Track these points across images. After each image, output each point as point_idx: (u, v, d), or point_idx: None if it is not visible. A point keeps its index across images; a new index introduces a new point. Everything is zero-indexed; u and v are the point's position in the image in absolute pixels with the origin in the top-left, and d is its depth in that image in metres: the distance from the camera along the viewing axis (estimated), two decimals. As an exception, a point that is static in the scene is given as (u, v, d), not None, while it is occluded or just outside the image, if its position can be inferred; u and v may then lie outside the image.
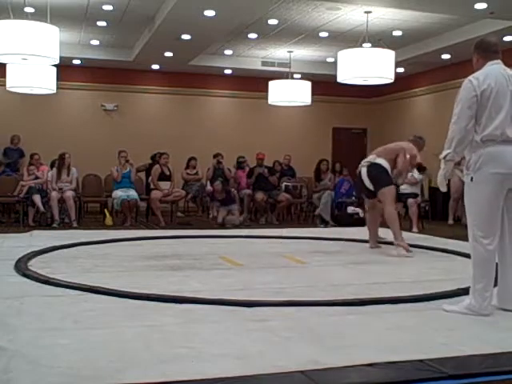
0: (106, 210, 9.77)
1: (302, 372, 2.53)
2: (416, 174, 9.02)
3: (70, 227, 8.85)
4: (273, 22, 9.76)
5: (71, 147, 10.44)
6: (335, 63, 9.30)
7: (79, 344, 2.90)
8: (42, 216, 9.14)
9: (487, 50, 3.68)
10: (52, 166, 9.79)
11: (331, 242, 7.30)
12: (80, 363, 2.60)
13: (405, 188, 8.97)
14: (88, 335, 3.05)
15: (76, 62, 12.12)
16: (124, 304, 3.75)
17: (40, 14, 8.25)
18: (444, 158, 3.65)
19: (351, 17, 9.37)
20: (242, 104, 13.66)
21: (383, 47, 8.91)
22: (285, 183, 10.79)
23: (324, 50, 11.76)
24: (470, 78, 3.58)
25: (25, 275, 4.61)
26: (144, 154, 11.39)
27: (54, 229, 8.64)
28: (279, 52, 11.93)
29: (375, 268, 5.43)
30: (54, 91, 9.72)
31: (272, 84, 11.31)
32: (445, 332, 3.22)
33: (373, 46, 9.09)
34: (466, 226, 3.70)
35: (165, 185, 9.90)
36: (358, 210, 9.73)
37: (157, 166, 10.14)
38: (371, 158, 6.58)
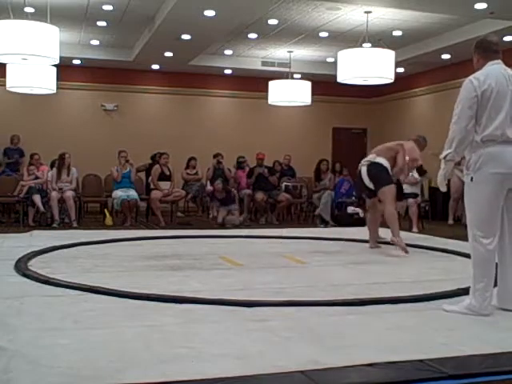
0: (105, 210, 9.77)
1: (302, 372, 2.53)
2: (416, 174, 9.02)
3: (70, 227, 8.85)
4: (273, 22, 9.76)
5: (71, 147, 10.45)
6: (335, 63, 9.29)
7: (79, 344, 2.90)
8: (42, 216, 9.14)
9: (488, 49, 3.67)
10: (52, 166, 9.79)
11: (331, 242, 7.30)
12: (80, 363, 2.60)
13: (405, 188, 8.95)
14: (88, 335, 3.05)
15: (76, 61, 12.12)
16: (124, 304, 3.75)
17: (40, 14, 8.25)
18: (444, 157, 3.65)
19: (351, 17, 9.37)
20: (241, 104, 13.66)
21: (383, 47, 8.91)
22: (285, 183, 10.79)
23: (324, 50, 11.76)
24: (471, 78, 3.57)
25: (25, 275, 4.61)
26: (144, 153, 11.39)
27: (54, 229, 8.64)
28: (279, 52, 11.93)
29: (375, 268, 5.43)
30: (54, 91, 9.72)
31: (272, 84, 11.32)
32: (445, 332, 3.22)
33: (373, 45, 9.09)
34: (465, 226, 3.70)
35: (165, 185, 9.90)
36: (358, 210, 9.73)
37: (157, 165, 10.14)
38: (371, 157, 6.59)
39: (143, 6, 9.08)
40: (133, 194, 9.53)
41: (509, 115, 3.51)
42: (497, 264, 3.61)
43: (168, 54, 11.36)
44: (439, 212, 10.89)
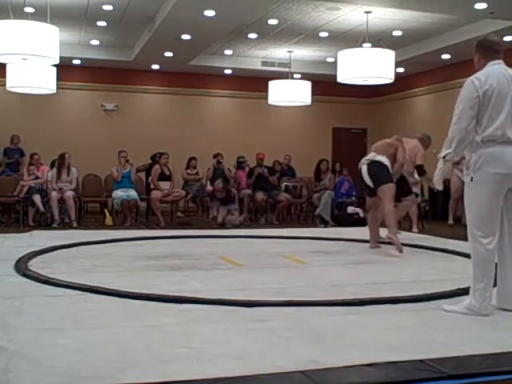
0: (106, 210, 9.77)
1: (302, 372, 2.53)
2: (416, 174, 9.00)
3: (70, 227, 8.85)
4: (273, 22, 9.76)
5: (71, 147, 10.45)
6: (335, 63, 9.29)
7: (79, 344, 2.90)
8: (42, 216, 9.14)
9: (489, 49, 3.66)
10: (52, 166, 9.79)
11: (331, 242, 7.30)
12: (80, 363, 2.60)
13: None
14: (88, 335, 3.05)
15: (76, 61, 12.12)
16: (124, 304, 3.75)
17: (40, 14, 8.25)
18: (444, 157, 3.65)
19: (351, 17, 9.37)
20: (241, 104, 13.66)
21: (383, 47, 8.91)
22: (285, 183, 10.79)
23: (324, 50, 11.76)
24: (472, 78, 3.57)
25: (25, 275, 4.61)
26: (144, 153, 11.39)
27: (54, 229, 8.64)
28: (279, 52, 11.93)
29: (375, 268, 5.43)
30: (54, 91, 9.72)
31: (272, 84, 11.31)
32: (445, 332, 3.22)
33: (373, 45, 9.09)
34: (465, 225, 3.70)
35: (165, 185, 9.90)
36: (358, 210, 9.74)
37: (157, 165, 10.14)
38: (371, 155, 6.60)
39: (143, 6, 9.08)
40: (133, 194, 9.53)
41: (510, 116, 3.51)
42: (496, 264, 3.62)
43: (168, 54, 11.36)
44: (439, 212, 10.89)
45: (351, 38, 9.97)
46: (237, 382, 2.44)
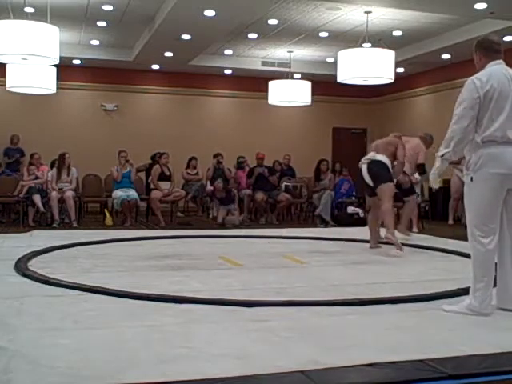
0: (106, 210, 9.77)
1: (302, 372, 2.53)
2: (416, 174, 8.99)
3: (70, 227, 8.85)
4: (273, 22, 9.76)
5: (71, 147, 10.45)
6: (335, 63, 9.29)
7: (79, 344, 2.90)
8: (42, 216, 9.14)
9: (489, 49, 3.66)
10: (52, 166, 9.79)
11: (331, 242, 7.30)
12: (80, 363, 2.60)
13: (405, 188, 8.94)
14: (88, 335, 3.05)
15: (76, 61, 12.12)
16: (124, 304, 3.75)
17: (40, 14, 8.25)
18: (442, 156, 3.65)
19: (351, 17, 9.37)
20: (241, 104, 13.65)
21: (383, 47, 8.91)
22: (285, 183, 10.79)
23: (324, 50, 11.76)
24: (473, 78, 3.56)
25: (25, 275, 4.61)
26: (144, 153, 11.39)
27: (54, 229, 8.64)
28: (279, 52, 11.93)
29: (375, 268, 5.43)
30: (54, 91, 9.72)
31: (272, 84, 11.32)
32: (445, 332, 3.22)
33: (373, 45, 9.09)
34: (465, 225, 3.70)
35: (165, 185, 9.90)
36: (358, 210, 9.74)
37: (157, 166, 10.14)
38: (371, 154, 6.61)
39: (143, 6, 9.08)
40: (133, 194, 9.53)
41: (510, 116, 3.51)
42: (496, 264, 3.61)
43: (168, 53, 11.36)
44: (439, 212, 10.88)
45: (351, 38, 9.97)
46: (237, 382, 2.44)
